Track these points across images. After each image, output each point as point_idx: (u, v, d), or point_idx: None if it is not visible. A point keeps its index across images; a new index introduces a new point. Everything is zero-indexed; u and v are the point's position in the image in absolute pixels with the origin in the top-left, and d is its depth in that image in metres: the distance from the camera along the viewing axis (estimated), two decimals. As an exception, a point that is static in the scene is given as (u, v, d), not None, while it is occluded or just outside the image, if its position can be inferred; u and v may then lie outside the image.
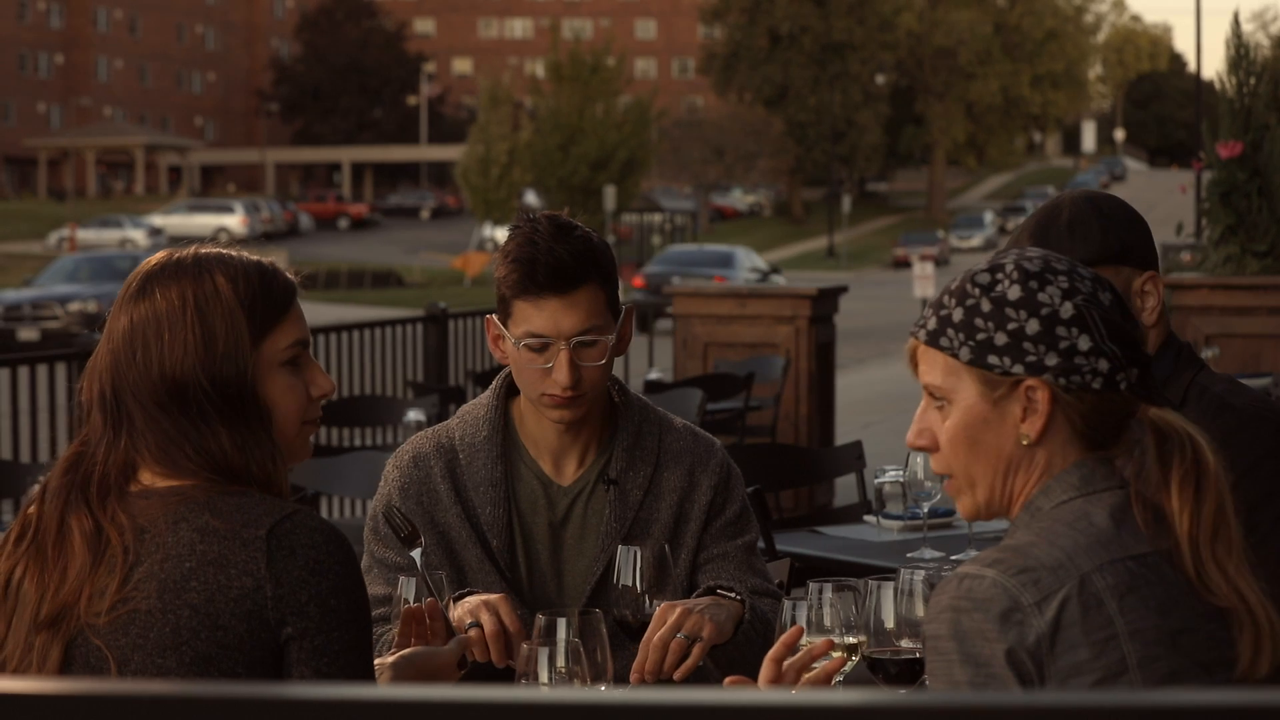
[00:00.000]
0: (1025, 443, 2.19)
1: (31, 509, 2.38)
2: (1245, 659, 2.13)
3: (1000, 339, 2.17)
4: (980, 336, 2.19)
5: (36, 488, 2.41)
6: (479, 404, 3.39)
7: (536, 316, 3.21)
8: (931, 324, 2.24)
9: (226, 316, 2.36)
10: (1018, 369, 2.17)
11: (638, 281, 36.35)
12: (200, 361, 2.33)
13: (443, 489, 3.31)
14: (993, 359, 2.18)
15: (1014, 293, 2.18)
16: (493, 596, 3.07)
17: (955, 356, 2.21)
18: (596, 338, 3.24)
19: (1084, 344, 2.16)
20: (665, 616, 2.99)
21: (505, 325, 3.26)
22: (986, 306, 2.19)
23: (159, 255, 2.41)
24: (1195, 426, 2.18)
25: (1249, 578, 2.15)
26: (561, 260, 3.18)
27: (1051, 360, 2.16)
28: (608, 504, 3.32)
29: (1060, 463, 2.19)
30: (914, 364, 2.28)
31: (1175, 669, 2.11)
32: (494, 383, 3.40)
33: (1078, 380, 2.16)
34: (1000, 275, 2.21)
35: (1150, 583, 2.12)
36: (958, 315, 2.21)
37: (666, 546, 3.11)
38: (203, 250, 2.41)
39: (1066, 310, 2.16)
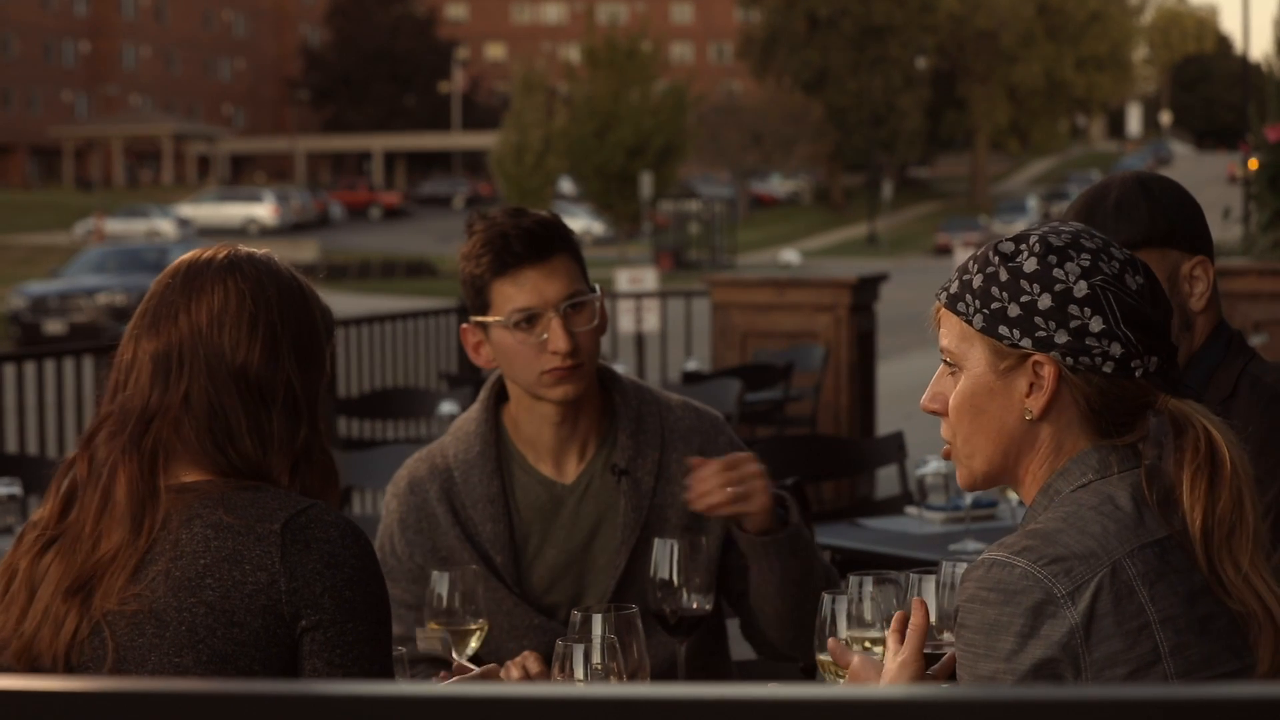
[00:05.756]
0: (1028, 418, 2.21)
1: (67, 484, 2.39)
2: (1265, 663, 2.14)
3: (1013, 310, 2.19)
4: (994, 306, 2.21)
5: (69, 458, 2.42)
6: (469, 418, 3.39)
7: (519, 293, 3.22)
8: (954, 288, 2.26)
9: (312, 329, 2.44)
10: (1026, 343, 2.19)
11: None
12: (293, 359, 2.40)
13: (440, 512, 3.31)
14: (1004, 329, 2.20)
15: (1030, 265, 2.20)
16: (518, 656, 3.02)
17: (969, 323, 2.23)
18: (584, 300, 3.25)
19: (1096, 325, 2.17)
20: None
21: (486, 315, 3.27)
22: (1004, 276, 2.21)
23: (265, 249, 2.50)
24: (1216, 420, 2.19)
25: (1268, 578, 2.15)
26: (530, 229, 3.22)
27: (1061, 338, 2.18)
28: (621, 495, 3.30)
29: (1070, 446, 2.21)
30: (936, 326, 2.30)
31: (1207, 655, 2.13)
32: (480, 394, 3.40)
33: (1086, 361, 2.18)
34: (1023, 246, 2.22)
35: (1175, 569, 2.14)
36: (977, 282, 2.23)
37: (704, 539, 3.07)
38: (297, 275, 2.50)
39: (1080, 289, 2.17)
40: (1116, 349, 2.16)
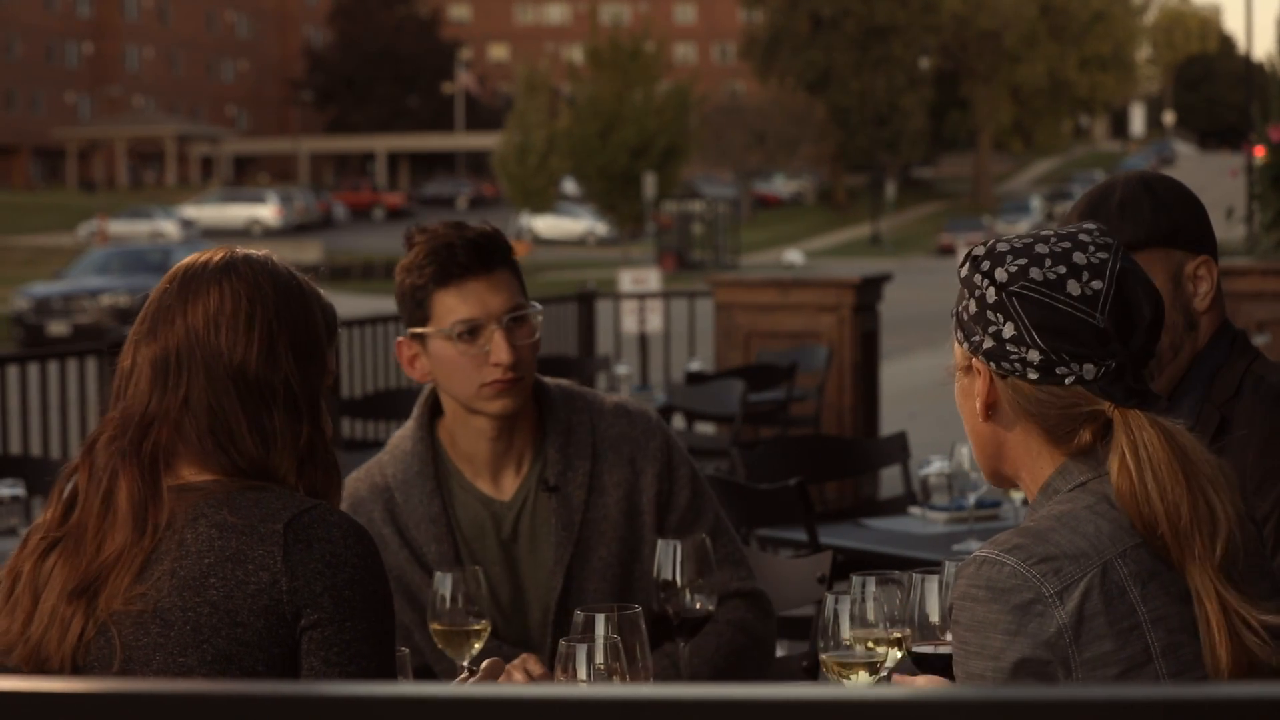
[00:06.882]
0: (980, 418, 2.23)
1: (69, 489, 2.40)
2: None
3: (964, 315, 2.23)
4: (959, 307, 2.24)
5: (70, 464, 2.43)
6: (405, 435, 3.37)
7: (462, 304, 3.21)
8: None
9: (312, 327, 2.45)
10: (967, 346, 2.22)
11: None
12: (291, 358, 2.41)
13: (387, 533, 3.28)
14: (958, 331, 2.24)
15: (964, 271, 2.22)
16: (517, 659, 2.97)
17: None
18: (525, 313, 3.26)
19: (1008, 331, 2.17)
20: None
21: (426, 327, 3.25)
22: (963, 277, 2.23)
23: (265, 250, 2.50)
24: (1165, 427, 2.15)
25: (1229, 592, 2.11)
26: (475, 241, 3.23)
27: (987, 344, 2.19)
28: (552, 512, 3.29)
29: (1036, 447, 2.20)
30: None
31: (1200, 654, 2.10)
32: (414, 411, 3.37)
33: (1008, 366, 2.18)
34: (988, 248, 2.22)
35: (1168, 568, 2.12)
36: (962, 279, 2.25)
37: (706, 539, 3.05)
38: (300, 276, 2.51)
39: (990, 295, 2.18)
40: (1035, 356, 2.15)
